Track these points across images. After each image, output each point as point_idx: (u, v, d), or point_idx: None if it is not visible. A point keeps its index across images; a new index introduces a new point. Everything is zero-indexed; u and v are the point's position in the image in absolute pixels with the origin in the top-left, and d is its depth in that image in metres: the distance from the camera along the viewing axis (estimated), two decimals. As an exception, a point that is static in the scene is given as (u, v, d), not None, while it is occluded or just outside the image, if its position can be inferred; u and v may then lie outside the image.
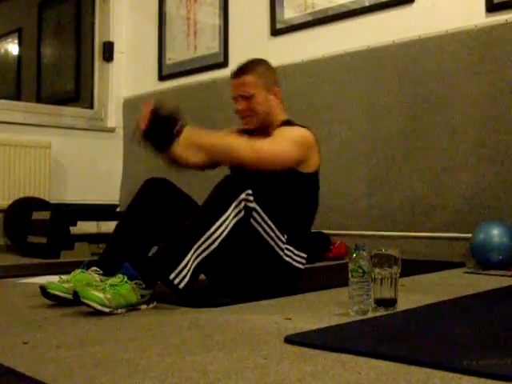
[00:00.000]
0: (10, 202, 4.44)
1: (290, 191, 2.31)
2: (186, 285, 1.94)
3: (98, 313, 1.83)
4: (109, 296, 1.86)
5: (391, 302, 1.87)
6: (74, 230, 4.17)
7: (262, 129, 2.38)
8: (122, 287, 1.89)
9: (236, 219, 2.01)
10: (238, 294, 2.19)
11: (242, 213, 2.03)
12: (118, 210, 4.92)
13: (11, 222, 4.40)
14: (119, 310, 1.88)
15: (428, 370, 1.20)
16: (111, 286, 1.89)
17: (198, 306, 1.98)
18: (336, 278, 2.70)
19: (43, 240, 4.03)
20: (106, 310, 1.85)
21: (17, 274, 2.93)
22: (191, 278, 1.95)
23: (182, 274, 1.93)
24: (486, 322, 1.71)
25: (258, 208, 2.09)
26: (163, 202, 2.25)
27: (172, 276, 1.92)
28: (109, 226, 5.03)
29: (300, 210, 2.34)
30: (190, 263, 1.94)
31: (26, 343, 1.48)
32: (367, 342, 1.45)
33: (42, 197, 4.61)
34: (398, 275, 1.86)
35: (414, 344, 1.42)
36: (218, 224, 1.98)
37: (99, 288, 1.88)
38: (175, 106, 2.12)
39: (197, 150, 2.21)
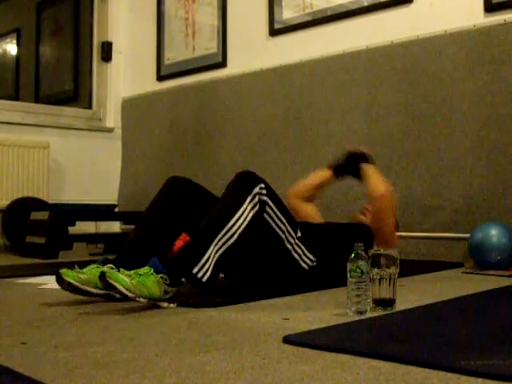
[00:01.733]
0: (9, 202, 4.44)
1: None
2: (208, 278, 1.96)
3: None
4: (134, 282, 1.87)
5: (389, 302, 1.87)
6: (72, 230, 4.17)
7: None
8: (147, 278, 1.90)
9: (253, 212, 2.07)
10: (237, 293, 2.20)
11: (258, 206, 2.09)
12: (116, 209, 4.92)
13: (10, 222, 4.40)
14: (141, 299, 1.89)
15: (426, 370, 1.20)
16: (138, 274, 1.90)
17: (196, 306, 1.98)
18: (335, 278, 2.69)
19: (42, 240, 4.03)
20: (130, 294, 1.85)
21: (15, 274, 2.93)
22: (213, 271, 1.98)
23: (205, 268, 1.96)
24: (484, 322, 1.71)
25: (270, 202, 2.14)
26: (186, 200, 2.30)
27: (195, 270, 1.95)
28: (107, 226, 5.05)
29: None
30: (211, 257, 1.98)
31: (24, 343, 1.47)
32: (366, 342, 1.45)
33: (40, 197, 4.61)
34: (396, 275, 1.87)
35: (413, 344, 1.42)
36: (236, 217, 2.03)
37: (126, 273, 1.90)
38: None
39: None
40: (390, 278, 1.85)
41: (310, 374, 1.19)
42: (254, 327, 1.66)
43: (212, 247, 1.99)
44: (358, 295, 1.79)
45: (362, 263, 1.78)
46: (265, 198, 2.12)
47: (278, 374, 1.20)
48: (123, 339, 1.53)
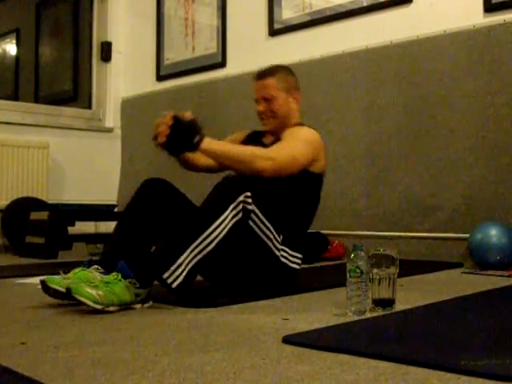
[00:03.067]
0: (8, 202, 4.44)
1: (294, 190, 2.33)
2: (179, 284, 1.94)
3: (91, 310, 1.84)
4: (101, 293, 1.86)
5: (389, 303, 1.87)
6: (72, 230, 4.17)
7: (278, 130, 2.41)
8: (115, 285, 1.90)
9: (234, 221, 2.02)
10: (236, 294, 2.19)
11: (240, 214, 2.03)
12: (116, 210, 4.91)
13: (9, 222, 4.39)
14: (111, 308, 1.88)
15: (426, 370, 1.20)
16: (105, 283, 1.89)
17: (195, 307, 1.98)
18: (334, 278, 2.70)
19: (41, 240, 4.02)
20: (99, 306, 1.85)
21: (15, 274, 2.93)
22: (186, 278, 1.95)
23: (176, 274, 1.94)
24: (484, 322, 1.71)
25: (256, 210, 2.10)
26: (161, 203, 2.26)
27: (166, 275, 1.93)
28: (107, 226, 5.03)
29: (300, 210, 2.36)
30: (185, 263, 1.95)
31: (23, 343, 1.47)
32: (365, 342, 1.45)
33: (40, 197, 4.60)
34: (395, 275, 1.86)
35: (412, 344, 1.42)
36: (215, 225, 1.98)
37: (92, 285, 1.89)
38: (195, 117, 2.14)
39: (215, 161, 2.27)
40: (389, 278, 1.85)
41: (309, 374, 1.19)
42: (253, 327, 1.66)
43: (186, 254, 1.95)
44: (357, 295, 1.78)
45: (361, 263, 1.78)
46: (250, 206, 2.06)
47: (278, 374, 1.20)
48: (123, 339, 1.53)
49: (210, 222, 1.99)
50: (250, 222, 2.10)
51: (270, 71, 2.48)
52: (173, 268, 1.93)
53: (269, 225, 2.16)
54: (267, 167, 2.16)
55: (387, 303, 1.87)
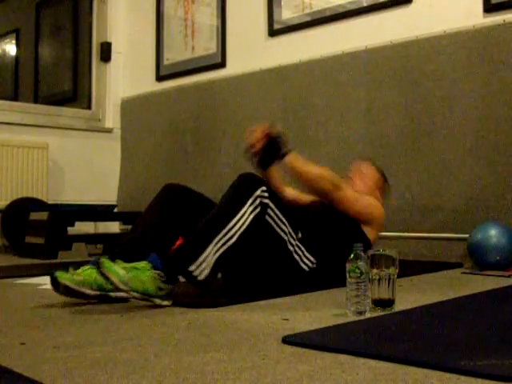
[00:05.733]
0: (8, 202, 4.44)
1: (340, 226, 2.50)
2: (205, 277, 1.98)
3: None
4: (130, 275, 1.88)
5: (389, 303, 1.87)
6: (71, 230, 4.17)
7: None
8: (143, 273, 1.91)
9: (253, 214, 2.08)
10: (236, 293, 2.20)
11: (259, 208, 2.10)
12: (115, 210, 4.92)
13: (9, 222, 4.39)
14: (134, 293, 1.89)
15: (426, 371, 1.20)
16: (134, 268, 1.91)
17: (195, 307, 1.98)
18: (334, 278, 2.69)
19: (41, 240, 4.02)
20: (123, 287, 1.86)
21: (14, 275, 2.93)
22: (211, 271, 2.00)
23: (202, 267, 1.98)
24: (483, 322, 1.71)
25: (271, 204, 2.16)
26: (183, 205, 2.33)
27: (192, 268, 1.96)
28: (106, 227, 5.05)
29: (333, 239, 2.47)
30: (210, 256, 1.99)
31: (23, 344, 1.47)
32: (365, 343, 1.45)
33: (39, 197, 4.60)
34: (395, 276, 1.87)
35: (412, 344, 1.42)
36: (236, 218, 2.05)
37: (121, 266, 1.90)
38: (281, 130, 2.38)
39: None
40: (389, 279, 1.85)
41: (309, 375, 1.19)
42: (253, 327, 1.66)
43: (211, 247, 2.00)
44: (357, 295, 1.78)
45: (361, 263, 1.78)
46: (266, 200, 2.14)
47: (278, 374, 1.20)
48: (122, 339, 1.53)
49: (231, 215, 2.05)
50: (267, 216, 2.16)
51: (370, 159, 2.93)
52: (199, 261, 1.97)
53: (284, 219, 2.22)
54: (327, 189, 2.39)
55: (387, 303, 1.87)
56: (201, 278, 1.97)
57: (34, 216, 4.18)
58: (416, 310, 1.90)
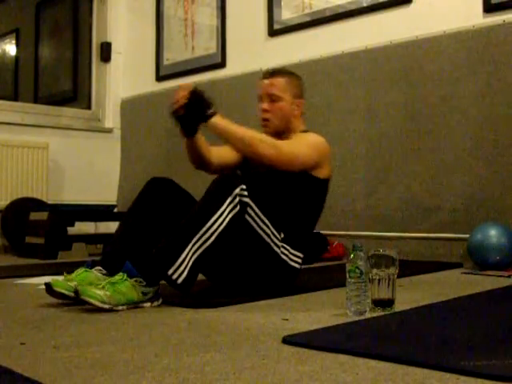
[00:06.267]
0: (8, 202, 4.44)
1: (295, 192, 2.35)
2: (184, 280, 1.96)
3: (98, 310, 1.86)
4: (108, 293, 1.89)
5: (389, 303, 1.87)
6: (71, 230, 4.17)
7: (278, 134, 2.42)
8: (121, 285, 1.92)
9: (232, 214, 2.03)
10: (236, 293, 2.19)
11: (238, 208, 2.05)
12: (115, 210, 4.92)
13: (9, 222, 4.39)
14: (120, 307, 1.91)
15: (425, 371, 1.20)
16: (111, 283, 1.92)
17: (195, 307, 1.98)
18: (333, 278, 2.70)
19: (41, 240, 4.02)
20: (106, 306, 1.88)
21: (14, 275, 2.93)
22: (189, 273, 1.97)
23: (180, 270, 1.95)
24: (483, 322, 1.71)
25: (251, 203, 2.11)
26: (166, 202, 2.27)
27: (170, 271, 1.94)
28: (106, 227, 5.04)
29: (301, 211, 2.37)
30: (187, 258, 1.96)
31: (23, 344, 1.47)
32: (365, 343, 1.45)
33: (39, 197, 4.60)
34: (395, 276, 1.87)
35: (412, 344, 1.42)
36: (214, 219, 2.00)
37: (99, 286, 1.91)
38: (209, 95, 2.22)
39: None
40: (389, 279, 1.85)
41: (309, 375, 1.19)
42: (253, 328, 1.66)
43: (188, 248, 1.97)
44: (357, 296, 1.78)
45: (361, 264, 1.78)
46: (246, 199, 2.08)
47: (278, 374, 1.20)
48: (122, 339, 1.53)
49: (208, 216, 2.00)
50: (247, 216, 2.11)
51: (280, 72, 2.50)
52: (176, 264, 1.95)
53: (266, 220, 2.17)
54: (269, 154, 2.21)
55: (387, 303, 1.87)
56: (180, 281, 1.95)
57: (34, 216, 4.19)
58: (416, 310, 1.90)
